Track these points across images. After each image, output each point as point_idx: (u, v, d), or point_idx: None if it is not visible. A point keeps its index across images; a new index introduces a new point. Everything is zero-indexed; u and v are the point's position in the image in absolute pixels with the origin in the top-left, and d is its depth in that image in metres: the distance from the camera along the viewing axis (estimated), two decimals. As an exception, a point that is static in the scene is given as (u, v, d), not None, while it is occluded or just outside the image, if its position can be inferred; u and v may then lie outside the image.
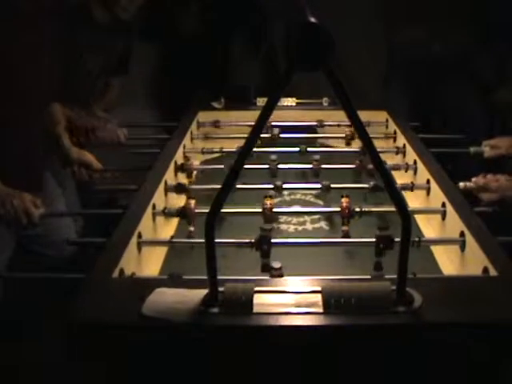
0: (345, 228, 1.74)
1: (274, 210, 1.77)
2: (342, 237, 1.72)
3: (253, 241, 1.53)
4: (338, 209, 1.76)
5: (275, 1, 3.23)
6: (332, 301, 1.20)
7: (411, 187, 2.02)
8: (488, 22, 3.11)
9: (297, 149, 2.29)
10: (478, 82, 3.22)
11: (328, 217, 1.93)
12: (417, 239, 1.58)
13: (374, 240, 1.51)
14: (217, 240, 1.48)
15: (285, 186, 1.99)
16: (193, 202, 1.78)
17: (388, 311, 1.19)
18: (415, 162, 2.16)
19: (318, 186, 1.99)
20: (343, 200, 1.76)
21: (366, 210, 1.76)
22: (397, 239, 1.46)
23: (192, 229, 1.76)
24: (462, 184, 1.94)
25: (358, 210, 1.75)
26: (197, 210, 1.75)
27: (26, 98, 1.94)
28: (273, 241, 1.52)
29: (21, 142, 1.98)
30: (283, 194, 2.08)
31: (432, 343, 1.19)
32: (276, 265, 1.42)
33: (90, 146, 2.42)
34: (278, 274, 1.41)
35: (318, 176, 2.09)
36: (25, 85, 1.92)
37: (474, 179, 1.95)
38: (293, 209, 2.00)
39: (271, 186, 1.97)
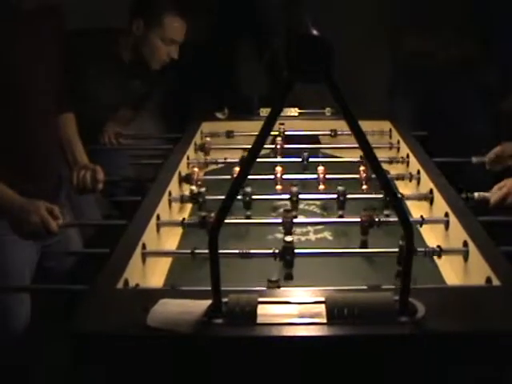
0: (364, 238, 1.76)
1: (295, 221, 1.79)
2: (360, 247, 1.75)
3: (276, 251, 1.55)
4: (358, 219, 1.77)
5: (278, 12, 3.25)
6: (335, 311, 1.21)
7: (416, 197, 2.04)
8: (492, 30, 3.12)
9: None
10: (484, 91, 3.22)
11: (331, 227, 1.93)
12: (427, 249, 1.60)
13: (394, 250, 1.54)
14: (237, 251, 1.56)
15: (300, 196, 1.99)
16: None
17: (391, 321, 1.20)
18: (418, 172, 2.17)
19: (323, 196, 2.03)
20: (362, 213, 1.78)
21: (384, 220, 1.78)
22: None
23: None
24: (476, 194, 1.93)
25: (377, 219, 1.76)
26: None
27: (32, 103, 1.94)
28: (296, 251, 1.54)
29: (31, 146, 1.98)
30: (286, 204, 2.09)
31: (435, 353, 1.19)
32: (273, 277, 1.43)
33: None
34: (276, 286, 1.41)
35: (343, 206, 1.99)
36: (27, 90, 1.92)
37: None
38: (310, 219, 1.99)
39: (286, 197, 1.99)
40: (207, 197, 1.97)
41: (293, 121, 2.72)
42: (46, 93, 1.98)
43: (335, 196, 1.93)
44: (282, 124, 2.62)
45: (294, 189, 1.98)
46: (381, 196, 1.94)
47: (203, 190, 1.99)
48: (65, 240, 2.11)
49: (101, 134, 2.76)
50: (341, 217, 1.92)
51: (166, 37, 2.46)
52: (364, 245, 1.75)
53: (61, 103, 2.14)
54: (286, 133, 2.59)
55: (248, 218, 1.92)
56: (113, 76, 2.51)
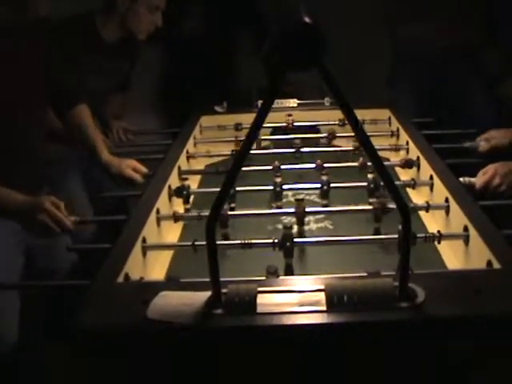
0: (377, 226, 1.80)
1: (307, 209, 1.82)
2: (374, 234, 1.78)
3: (276, 241, 1.55)
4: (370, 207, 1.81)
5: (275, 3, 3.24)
6: (335, 298, 1.21)
7: (413, 184, 2.05)
8: (492, 14, 3.11)
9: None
10: (485, 76, 3.21)
11: (332, 216, 1.93)
12: (430, 235, 1.61)
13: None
14: (237, 242, 1.58)
15: (289, 186, 2.03)
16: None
17: (391, 307, 1.20)
18: (418, 159, 2.17)
19: (306, 186, 2.06)
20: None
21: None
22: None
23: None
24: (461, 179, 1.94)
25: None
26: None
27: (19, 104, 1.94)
28: (296, 240, 1.56)
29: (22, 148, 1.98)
30: (287, 194, 2.09)
31: (436, 338, 1.19)
32: (271, 267, 1.44)
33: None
34: (275, 276, 1.42)
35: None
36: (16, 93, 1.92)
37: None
38: (323, 209, 1.97)
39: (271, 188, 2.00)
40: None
41: (292, 111, 2.72)
42: (31, 89, 1.97)
43: (319, 185, 1.97)
44: (290, 115, 2.62)
45: (278, 179, 2.00)
46: (365, 184, 1.96)
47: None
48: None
49: (109, 132, 2.77)
50: (325, 206, 1.95)
51: (151, 4, 2.52)
52: (377, 232, 1.78)
53: (68, 97, 2.15)
54: (295, 124, 2.61)
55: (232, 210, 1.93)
56: (99, 59, 2.55)
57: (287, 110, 2.72)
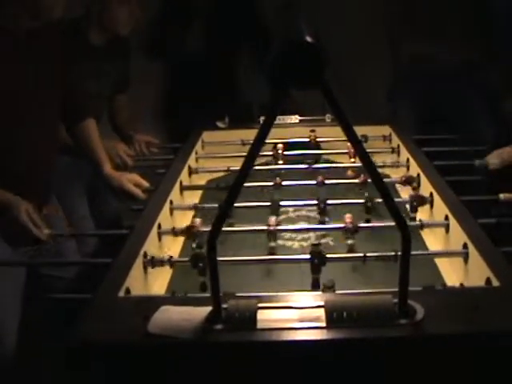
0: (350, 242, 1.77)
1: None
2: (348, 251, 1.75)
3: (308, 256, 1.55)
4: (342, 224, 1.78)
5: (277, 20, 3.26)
6: (334, 315, 1.22)
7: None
8: (494, 31, 3.13)
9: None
10: (485, 93, 3.23)
11: (332, 233, 1.94)
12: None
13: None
14: (268, 257, 1.67)
15: (289, 203, 2.04)
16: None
17: (390, 324, 1.21)
18: (419, 176, 2.18)
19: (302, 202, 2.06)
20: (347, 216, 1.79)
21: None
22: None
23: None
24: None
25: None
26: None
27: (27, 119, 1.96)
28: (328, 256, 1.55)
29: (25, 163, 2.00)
30: (288, 210, 2.10)
31: (435, 355, 1.19)
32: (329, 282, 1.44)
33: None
34: (332, 290, 1.42)
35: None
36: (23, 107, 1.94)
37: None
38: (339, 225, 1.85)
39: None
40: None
41: (294, 128, 2.74)
42: (42, 105, 2.00)
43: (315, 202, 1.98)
44: (313, 131, 2.65)
45: (277, 196, 2.03)
46: (362, 201, 1.96)
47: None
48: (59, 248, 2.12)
49: (131, 145, 2.79)
50: (322, 223, 1.96)
51: None
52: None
53: (78, 111, 2.18)
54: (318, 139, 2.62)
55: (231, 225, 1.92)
56: (91, 64, 2.58)
57: (288, 126, 2.74)
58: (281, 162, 2.46)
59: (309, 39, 1.07)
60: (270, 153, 2.47)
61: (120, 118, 2.92)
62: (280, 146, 2.50)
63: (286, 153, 2.49)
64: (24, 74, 1.91)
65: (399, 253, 1.51)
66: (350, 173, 2.26)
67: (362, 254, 1.61)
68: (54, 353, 1.31)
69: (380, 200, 1.74)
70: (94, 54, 2.59)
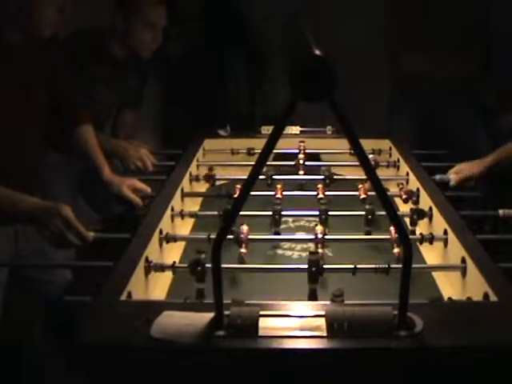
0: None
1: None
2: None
3: (306, 266, 1.56)
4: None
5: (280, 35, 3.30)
6: (335, 325, 1.23)
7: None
8: (491, 47, 3.16)
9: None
10: (482, 108, 3.25)
11: (331, 243, 1.95)
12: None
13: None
14: (267, 266, 1.70)
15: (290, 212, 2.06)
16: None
17: (390, 335, 1.22)
18: (418, 190, 2.20)
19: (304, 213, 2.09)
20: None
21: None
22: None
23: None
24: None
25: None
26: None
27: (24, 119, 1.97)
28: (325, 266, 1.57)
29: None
30: (288, 220, 2.12)
31: (433, 367, 1.21)
32: (338, 290, 1.44)
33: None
34: (341, 300, 1.43)
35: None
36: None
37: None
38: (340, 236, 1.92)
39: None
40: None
41: (294, 139, 2.76)
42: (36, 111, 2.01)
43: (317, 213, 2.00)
44: (303, 142, 2.66)
45: (278, 207, 2.03)
46: (363, 213, 1.98)
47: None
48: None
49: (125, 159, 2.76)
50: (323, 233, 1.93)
51: (146, 21, 2.53)
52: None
53: (73, 117, 2.19)
54: (307, 151, 2.61)
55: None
56: (108, 72, 2.59)
57: (289, 137, 2.75)
58: (301, 172, 2.48)
59: (320, 53, 1.09)
60: (292, 163, 2.50)
61: (123, 132, 2.90)
62: (301, 156, 2.53)
63: (307, 163, 2.52)
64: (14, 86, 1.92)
65: (392, 265, 1.58)
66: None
67: (352, 266, 1.62)
68: (56, 356, 1.32)
69: (381, 213, 1.81)
70: (112, 63, 2.59)
